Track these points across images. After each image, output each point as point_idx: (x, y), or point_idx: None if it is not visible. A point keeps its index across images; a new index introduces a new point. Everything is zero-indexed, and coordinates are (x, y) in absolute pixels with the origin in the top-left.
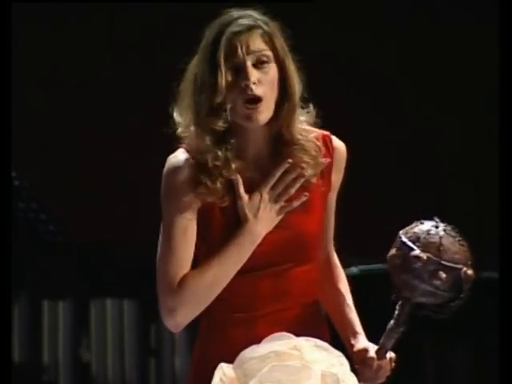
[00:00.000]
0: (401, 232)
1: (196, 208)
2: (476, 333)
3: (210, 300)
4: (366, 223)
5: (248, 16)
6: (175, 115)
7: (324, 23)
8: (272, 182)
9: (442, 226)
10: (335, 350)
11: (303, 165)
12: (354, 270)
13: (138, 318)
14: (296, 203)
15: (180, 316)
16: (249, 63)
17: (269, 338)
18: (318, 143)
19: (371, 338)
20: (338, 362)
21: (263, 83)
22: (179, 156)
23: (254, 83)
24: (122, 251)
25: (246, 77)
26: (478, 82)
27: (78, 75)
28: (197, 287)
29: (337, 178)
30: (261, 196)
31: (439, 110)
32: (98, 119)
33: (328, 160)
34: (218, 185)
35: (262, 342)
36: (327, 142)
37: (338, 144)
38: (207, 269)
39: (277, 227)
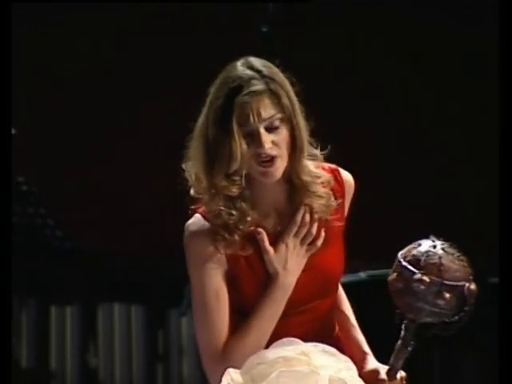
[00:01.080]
0: (399, 255)
1: (223, 270)
2: (485, 342)
3: None
4: (374, 229)
5: (256, 77)
6: (187, 176)
7: (324, 23)
8: (295, 229)
9: (439, 244)
10: (343, 355)
11: (316, 209)
12: (362, 275)
13: (146, 323)
14: (319, 242)
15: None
16: (262, 130)
17: (277, 343)
18: (328, 185)
19: (379, 343)
20: (345, 368)
21: (277, 143)
22: (196, 223)
23: (270, 148)
24: (129, 257)
25: (261, 145)
26: (478, 89)
27: (83, 78)
28: (242, 351)
29: (348, 207)
30: (286, 246)
31: (439, 109)
32: (109, 125)
33: (339, 200)
34: (236, 237)
35: (270, 347)
36: (336, 176)
37: (347, 176)
38: (248, 331)
39: (302, 270)
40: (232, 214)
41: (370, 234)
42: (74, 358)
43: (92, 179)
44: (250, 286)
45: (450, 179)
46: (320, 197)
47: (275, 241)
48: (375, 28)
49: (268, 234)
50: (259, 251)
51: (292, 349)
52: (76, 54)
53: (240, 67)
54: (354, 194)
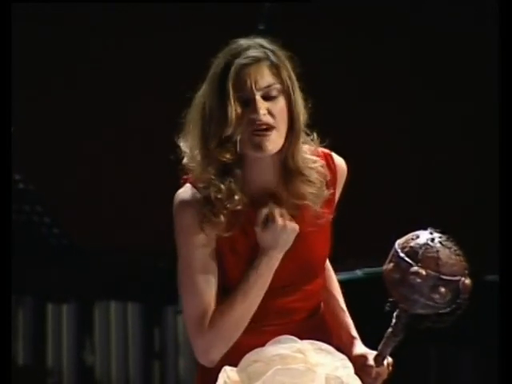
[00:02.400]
0: (396, 245)
1: (212, 240)
2: (481, 338)
3: (240, 332)
4: (370, 226)
5: (256, 46)
6: (182, 145)
7: (324, 23)
8: (283, 208)
9: (437, 237)
10: (339, 353)
11: (309, 195)
12: (358, 272)
13: (142, 321)
14: (305, 226)
15: (215, 354)
16: (258, 97)
17: (273, 341)
18: (322, 169)
19: (374, 340)
20: (341, 365)
21: (273, 113)
22: (186, 192)
23: (264, 114)
24: (126, 254)
25: (256, 110)
26: (477, 91)
27: (82, 77)
28: (227, 325)
29: (339, 193)
30: (275, 223)
31: (439, 108)
32: (105, 122)
33: (331, 190)
34: (222, 218)
35: (267, 345)
36: (329, 161)
37: (339, 162)
38: (234, 304)
39: (289, 255)
40: (220, 189)
41: (367, 231)
42: (71, 356)
43: (89, 177)
44: (232, 265)
45: (449, 176)
46: (312, 182)
47: (265, 220)
48: (375, 28)
49: (253, 215)
50: (243, 231)
51: (288, 347)
52: (76, 54)
53: (242, 40)
54: (347, 180)
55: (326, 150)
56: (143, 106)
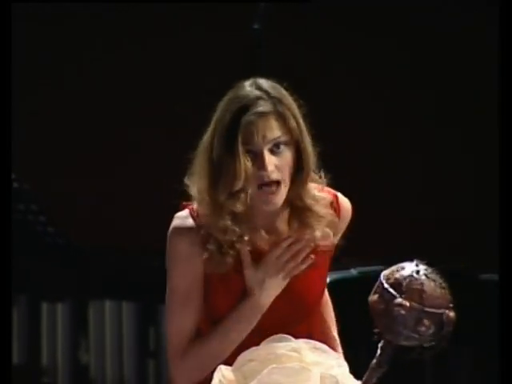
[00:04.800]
0: (382, 276)
1: (201, 272)
2: (477, 338)
3: (213, 367)
4: (365, 225)
5: (264, 97)
6: (191, 190)
7: (324, 23)
8: (279, 252)
9: (422, 269)
10: (334, 352)
11: (314, 232)
12: (353, 272)
13: (137, 320)
14: (303, 267)
15: (188, 382)
16: (266, 151)
17: (268, 339)
18: (328, 209)
19: (368, 340)
20: (336, 364)
21: (280, 168)
22: (185, 219)
23: (272, 171)
24: (121, 253)
25: (264, 167)
26: (477, 92)
27: (79, 76)
28: (203, 357)
29: (341, 234)
30: (268, 266)
31: (439, 108)
32: (100, 121)
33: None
34: (229, 259)
35: (262, 344)
36: (334, 202)
37: (344, 203)
38: (212, 340)
39: (281, 294)
40: (235, 232)
41: (362, 230)
42: (66, 355)
43: (84, 176)
44: (222, 301)
45: (448, 176)
46: (322, 217)
47: (258, 258)
48: (375, 28)
49: (255, 249)
50: (238, 267)
51: (283, 345)
52: (75, 54)
53: (248, 87)
54: (350, 221)
55: (332, 191)
56: (143, 106)
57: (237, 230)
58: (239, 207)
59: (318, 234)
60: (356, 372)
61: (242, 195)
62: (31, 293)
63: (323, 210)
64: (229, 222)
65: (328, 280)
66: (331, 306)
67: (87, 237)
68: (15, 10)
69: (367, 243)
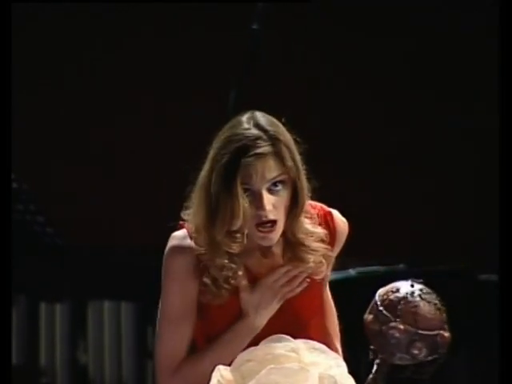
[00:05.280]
0: (377, 297)
1: (196, 292)
2: (477, 338)
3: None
4: (364, 225)
5: (263, 137)
6: (187, 222)
7: (324, 23)
8: (276, 276)
9: (417, 290)
10: (333, 352)
11: (307, 264)
12: (351, 272)
13: (136, 320)
14: (298, 290)
15: None
16: (264, 191)
17: (267, 340)
18: (324, 237)
19: (368, 341)
20: (335, 365)
21: (277, 207)
22: (182, 239)
23: (270, 211)
24: (120, 254)
25: (262, 207)
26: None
27: (79, 76)
28: (194, 374)
29: (337, 251)
30: (263, 289)
31: (439, 109)
32: (98, 121)
33: (329, 253)
34: (224, 292)
35: (260, 344)
36: (327, 220)
37: (339, 221)
38: (205, 357)
39: (277, 311)
40: (231, 268)
41: (360, 230)
42: (64, 355)
43: (82, 177)
44: (217, 320)
45: (444, 176)
46: (314, 251)
47: (254, 281)
48: (375, 28)
49: (249, 273)
50: (234, 289)
51: (282, 346)
52: (75, 54)
53: (246, 125)
54: (346, 239)
55: (327, 209)
56: (143, 105)
57: (233, 266)
58: (235, 249)
59: (311, 266)
60: (355, 372)
61: (239, 235)
62: (30, 293)
63: (315, 243)
64: (226, 261)
65: None
66: (335, 315)
67: (85, 237)
68: (15, 10)
69: (366, 243)
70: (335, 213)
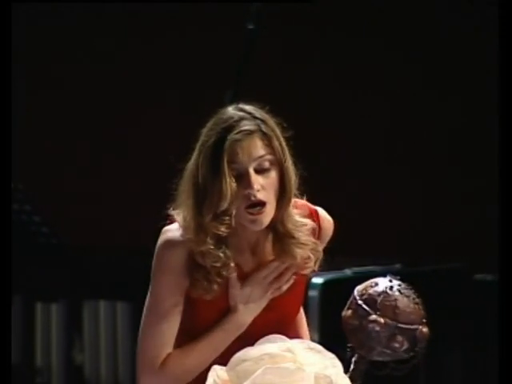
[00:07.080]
0: (355, 292)
1: (186, 286)
2: (476, 338)
3: (190, 379)
4: (359, 225)
5: (248, 117)
6: (176, 216)
7: (324, 23)
8: (266, 272)
9: (396, 285)
10: (328, 352)
11: (298, 257)
12: (348, 272)
13: (131, 320)
14: (285, 287)
15: None
16: (251, 170)
17: (262, 339)
18: (312, 230)
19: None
20: (331, 364)
21: (266, 188)
22: (174, 232)
23: (258, 190)
24: (115, 254)
25: (250, 185)
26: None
27: (78, 77)
28: (179, 369)
29: (322, 248)
30: (253, 285)
31: (439, 107)
32: (94, 122)
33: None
34: (215, 286)
35: (256, 344)
36: (313, 218)
37: (324, 219)
38: (191, 352)
39: (263, 309)
40: (218, 259)
41: (356, 230)
42: (60, 355)
43: (78, 177)
44: (204, 315)
45: (444, 176)
46: (303, 244)
47: (243, 278)
48: (375, 28)
49: (239, 270)
50: (225, 285)
51: (277, 346)
52: (75, 54)
53: (231, 110)
54: (331, 237)
55: (313, 207)
56: (142, 104)
57: (220, 254)
58: (223, 230)
59: (298, 261)
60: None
61: (227, 218)
62: (26, 293)
63: (304, 237)
64: (211, 247)
65: (323, 280)
66: (305, 318)
67: (81, 237)
68: (15, 10)
69: (362, 243)
70: (321, 211)
